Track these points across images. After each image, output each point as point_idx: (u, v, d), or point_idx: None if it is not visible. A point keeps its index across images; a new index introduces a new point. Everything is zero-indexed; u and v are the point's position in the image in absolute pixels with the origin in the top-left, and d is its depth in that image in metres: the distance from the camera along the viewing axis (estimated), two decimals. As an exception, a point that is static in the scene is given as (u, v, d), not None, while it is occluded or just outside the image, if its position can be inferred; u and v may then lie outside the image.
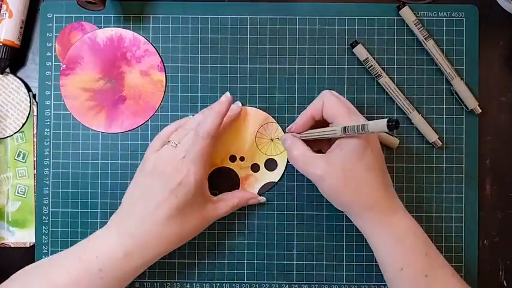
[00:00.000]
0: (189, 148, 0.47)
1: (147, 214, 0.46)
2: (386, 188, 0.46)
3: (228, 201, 0.51)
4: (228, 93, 0.50)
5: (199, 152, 0.47)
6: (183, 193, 0.46)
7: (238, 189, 0.53)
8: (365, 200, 0.45)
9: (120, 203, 0.50)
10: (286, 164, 0.53)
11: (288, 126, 0.52)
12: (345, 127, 0.43)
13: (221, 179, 0.53)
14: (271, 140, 0.53)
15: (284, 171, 0.53)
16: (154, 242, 0.46)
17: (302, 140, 0.48)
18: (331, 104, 0.46)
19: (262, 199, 0.53)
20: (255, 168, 0.53)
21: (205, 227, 0.50)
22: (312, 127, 0.49)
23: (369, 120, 0.52)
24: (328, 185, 0.45)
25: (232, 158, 0.53)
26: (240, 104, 0.53)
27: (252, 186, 0.53)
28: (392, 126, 0.37)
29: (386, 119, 0.38)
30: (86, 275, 0.45)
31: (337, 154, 0.45)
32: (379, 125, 0.39)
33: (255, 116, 0.53)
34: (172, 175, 0.46)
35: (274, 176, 0.53)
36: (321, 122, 0.48)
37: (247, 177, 0.53)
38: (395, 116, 0.53)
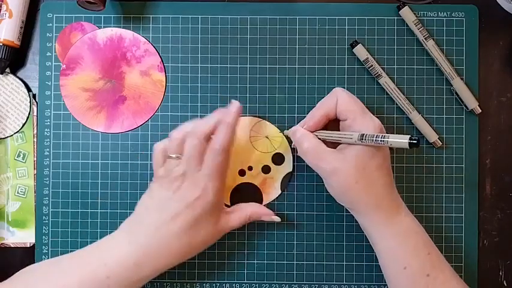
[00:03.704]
0: (206, 163, 0.46)
1: (160, 225, 0.45)
2: (392, 187, 0.46)
3: (241, 214, 0.49)
4: (237, 102, 0.48)
5: (216, 167, 0.46)
6: (201, 206, 0.45)
7: (262, 199, 0.52)
8: (373, 199, 0.45)
9: (120, 203, 0.51)
10: (291, 150, 0.52)
11: (287, 126, 0.52)
12: (363, 134, 0.43)
13: (242, 196, 0.53)
14: (267, 137, 0.53)
15: (294, 160, 0.52)
16: (165, 253, 0.46)
17: None
18: (345, 101, 0.46)
19: (277, 219, 0.50)
20: (266, 170, 0.53)
21: (218, 238, 0.49)
22: (324, 127, 0.48)
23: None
24: (338, 181, 0.45)
25: (242, 172, 0.53)
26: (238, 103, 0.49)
27: (273, 186, 0.53)
28: (414, 144, 0.38)
29: (408, 136, 0.38)
30: (92, 282, 0.44)
31: (350, 150, 0.44)
32: (401, 141, 0.39)
33: (240, 123, 0.50)
34: (189, 190, 0.46)
35: (287, 167, 0.53)
36: (332, 121, 0.48)
37: (264, 182, 0.53)
38: (395, 115, 0.53)
